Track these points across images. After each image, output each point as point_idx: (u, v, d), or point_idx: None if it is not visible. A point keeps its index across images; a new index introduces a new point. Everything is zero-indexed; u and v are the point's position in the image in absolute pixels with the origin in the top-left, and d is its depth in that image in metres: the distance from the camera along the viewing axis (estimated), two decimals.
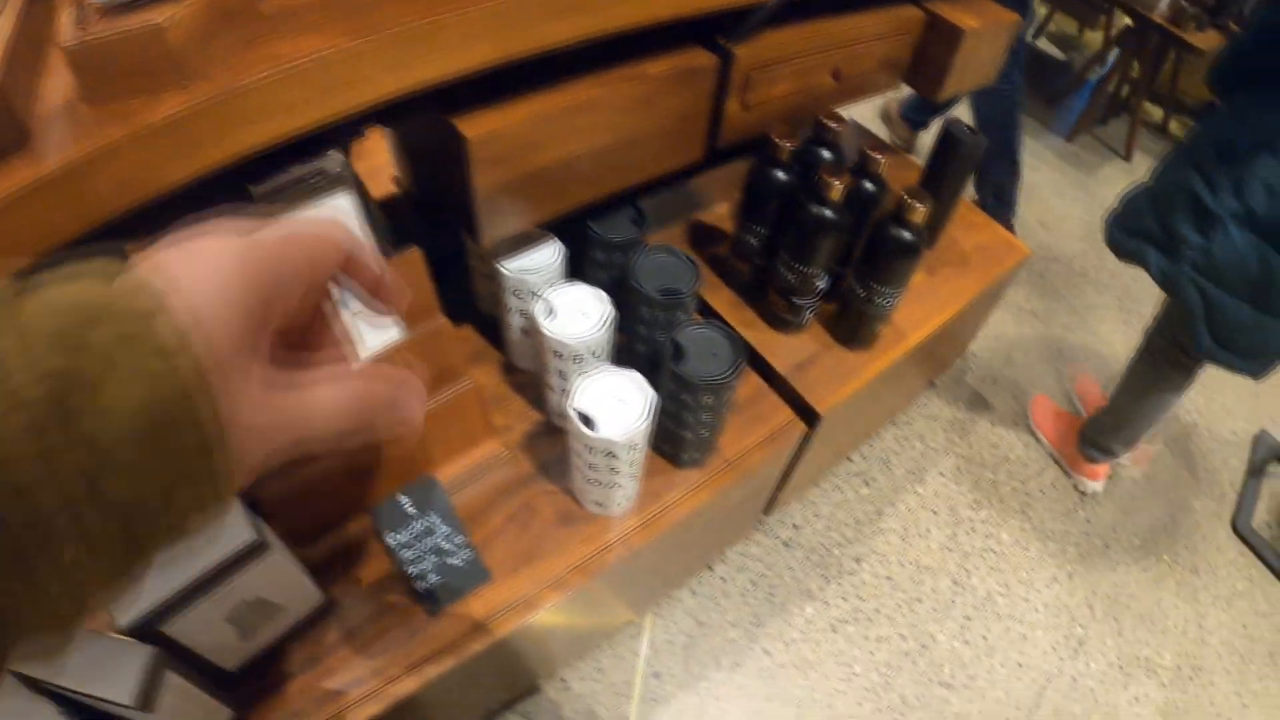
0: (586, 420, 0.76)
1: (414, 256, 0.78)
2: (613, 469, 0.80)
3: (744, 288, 1.13)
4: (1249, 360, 1.22)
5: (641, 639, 1.27)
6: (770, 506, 1.29)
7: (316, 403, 0.28)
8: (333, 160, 0.69)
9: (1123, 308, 2.10)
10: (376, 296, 0.33)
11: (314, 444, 0.28)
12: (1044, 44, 3.45)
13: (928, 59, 1.10)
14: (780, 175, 0.98)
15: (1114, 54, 2.93)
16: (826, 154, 1.03)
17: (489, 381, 1.02)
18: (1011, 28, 1.15)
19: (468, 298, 1.06)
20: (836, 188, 0.93)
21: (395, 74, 0.62)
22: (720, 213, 1.27)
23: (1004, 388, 1.75)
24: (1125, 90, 2.93)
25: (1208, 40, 2.47)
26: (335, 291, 0.33)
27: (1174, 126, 2.95)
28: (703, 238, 1.23)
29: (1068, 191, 2.50)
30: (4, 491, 0.19)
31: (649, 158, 0.85)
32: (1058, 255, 2.20)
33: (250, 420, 0.25)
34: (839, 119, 1.03)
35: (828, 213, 0.95)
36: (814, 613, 1.34)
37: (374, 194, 1.07)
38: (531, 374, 1.02)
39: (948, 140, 1.16)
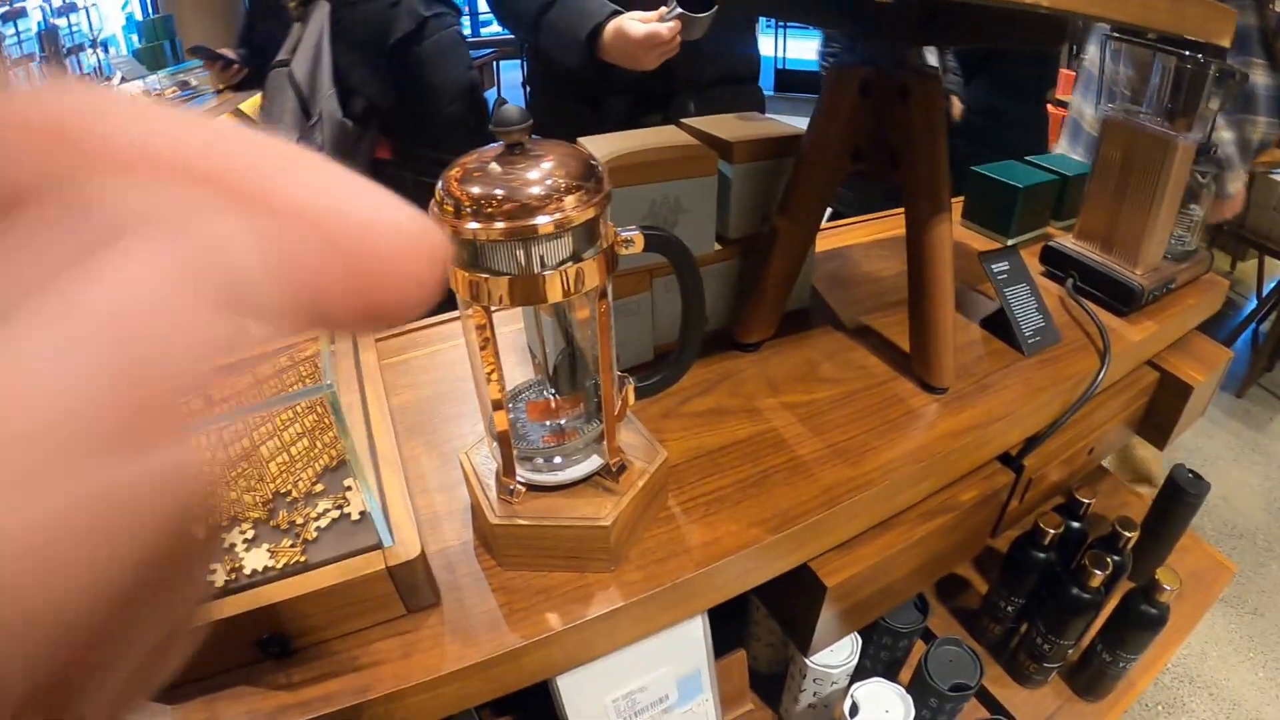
0: None
1: (740, 658, 0.90)
2: None
3: (992, 644, 1.20)
4: None
5: None
6: None
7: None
8: None
9: None
10: None
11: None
12: None
13: (1158, 411, 1.18)
14: (1041, 556, 1.07)
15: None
16: (1076, 525, 1.11)
17: None
18: (1225, 366, 1.23)
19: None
20: (1098, 577, 1.00)
21: (789, 559, 0.74)
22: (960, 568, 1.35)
23: (1200, 686, 1.72)
24: None
25: None
26: None
27: None
28: (948, 591, 1.32)
29: (1245, 456, 2.48)
30: None
31: (945, 566, 0.96)
32: (1242, 531, 2.17)
33: None
34: (1090, 493, 1.12)
35: (1087, 596, 1.02)
36: None
37: None
38: None
39: (1172, 486, 1.24)
